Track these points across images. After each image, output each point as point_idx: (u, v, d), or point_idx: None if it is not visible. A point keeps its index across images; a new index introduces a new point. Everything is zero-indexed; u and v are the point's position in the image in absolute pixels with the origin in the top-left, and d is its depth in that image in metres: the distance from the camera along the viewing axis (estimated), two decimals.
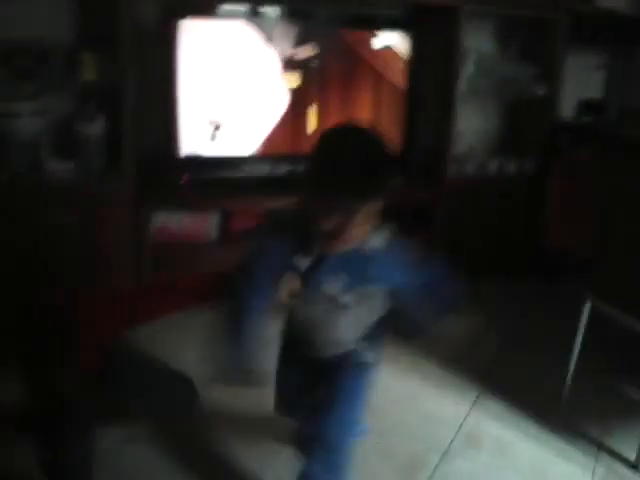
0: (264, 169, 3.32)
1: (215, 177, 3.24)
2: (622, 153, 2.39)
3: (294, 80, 3.22)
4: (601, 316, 2.41)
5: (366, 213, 1.52)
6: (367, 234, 1.60)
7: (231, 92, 3.12)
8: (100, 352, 1.68)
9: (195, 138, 3.10)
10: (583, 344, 2.51)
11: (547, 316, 3.34)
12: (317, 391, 1.86)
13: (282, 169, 3.34)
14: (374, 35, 3.31)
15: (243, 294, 1.67)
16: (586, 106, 3.97)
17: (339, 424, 1.77)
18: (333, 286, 1.64)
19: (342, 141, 1.53)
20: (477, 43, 3.67)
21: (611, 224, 2.45)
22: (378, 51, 3.33)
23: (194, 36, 2.98)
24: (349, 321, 1.74)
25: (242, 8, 3.07)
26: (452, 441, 2.35)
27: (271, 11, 3.12)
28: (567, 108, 3.93)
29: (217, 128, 3.12)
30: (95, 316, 1.72)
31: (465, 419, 2.48)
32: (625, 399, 2.60)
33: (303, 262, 1.64)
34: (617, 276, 2.42)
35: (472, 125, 3.82)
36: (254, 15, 3.09)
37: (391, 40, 3.35)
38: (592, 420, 2.52)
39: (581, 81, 4.01)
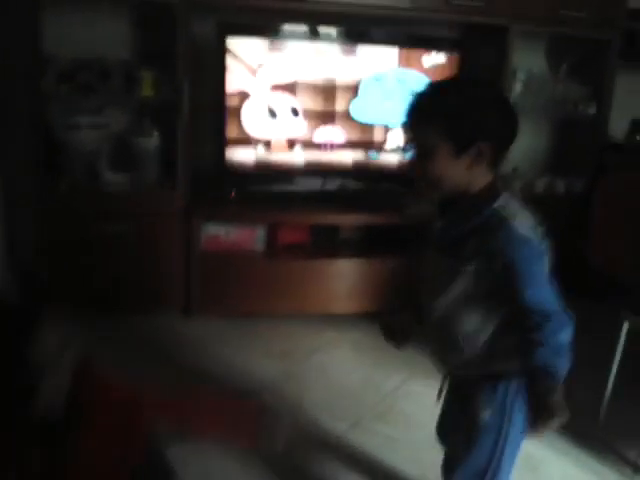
0: (311, 184, 3.42)
1: (263, 191, 3.36)
2: None
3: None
4: None
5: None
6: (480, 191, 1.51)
7: (282, 107, 3.22)
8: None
9: (244, 153, 3.21)
10: (622, 363, 2.50)
11: (586, 335, 3.27)
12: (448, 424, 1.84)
13: (329, 184, 3.43)
14: (425, 54, 3.36)
15: None
16: (638, 126, 3.93)
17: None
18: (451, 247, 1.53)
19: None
20: (527, 62, 3.68)
21: None
22: (428, 69, 3.38)
23: (247, 53, 3.10)
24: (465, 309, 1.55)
25: (300, 29, 3.18)
26: None
27: (329, 31, 3.22)
28: (619, 128, 3.90)
29: (267, 144, 3.23)
30: None
31: None
32: None
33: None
34: None
35: (521, 144, 3.79)
36: (312, 35, 3.20)
37: (440, 59, 3.39)
38: (629, 440, 2.49)
39: (634, 101, 3.98)
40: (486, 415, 1.61)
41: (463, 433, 1.69)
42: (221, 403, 1.61)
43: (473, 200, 1.51)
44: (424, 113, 1.49)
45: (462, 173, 1.49)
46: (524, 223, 1.48)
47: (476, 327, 1.55)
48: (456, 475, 1.73)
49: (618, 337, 2.50)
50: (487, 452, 1.65)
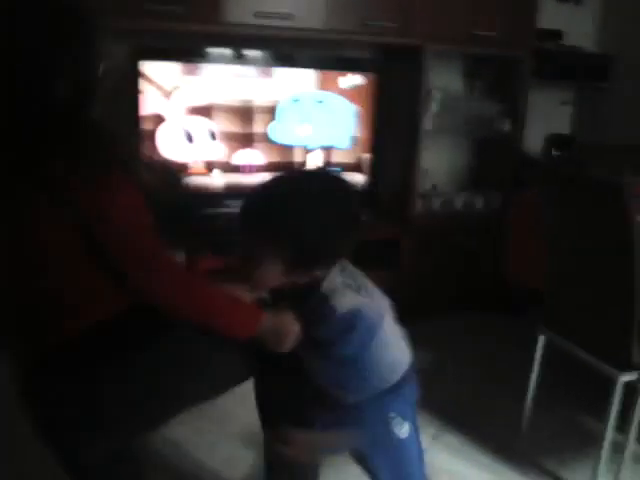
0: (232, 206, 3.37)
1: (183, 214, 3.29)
2: (559, 186, 2.44)
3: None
4: (558, 348, 2.44)
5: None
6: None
7: (198, 130, 3.19)
8: None
9: None
10: (541, 376, 2.54)
11: (506, 349, 3.36)
12: None
13: None
14: (341, 76, 3.39)
15: None
16: (554, 141, 4.05)
17: None
18: None
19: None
20: (442, 81, 3.75)
21: (558, 258, 2.50)
22: (346, 90, 3.41)
23: (161, 77, 3.06)
24: None
25: (215, 51, 3.16)
26: None
27: (247, 54, 3.21)
28: (534, 144, 4.01)
29: (184, 168, 3.19)
30: None
31: None
32: (581, 431, 2.63)
33: None
34: (565, 310, 2.45)
35: (439, 161, 3.89)
36: (230, 58, 3.18)
37: (357, 80, 3.42)
38: (548, 452, 2.53)
39: (548, 117, 4.10)
40: None
41: None
42: None
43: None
44: (262, 228, 1.47)
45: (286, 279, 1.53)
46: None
47: None
48: None
49: (535, 351, 2.54)
50: None
